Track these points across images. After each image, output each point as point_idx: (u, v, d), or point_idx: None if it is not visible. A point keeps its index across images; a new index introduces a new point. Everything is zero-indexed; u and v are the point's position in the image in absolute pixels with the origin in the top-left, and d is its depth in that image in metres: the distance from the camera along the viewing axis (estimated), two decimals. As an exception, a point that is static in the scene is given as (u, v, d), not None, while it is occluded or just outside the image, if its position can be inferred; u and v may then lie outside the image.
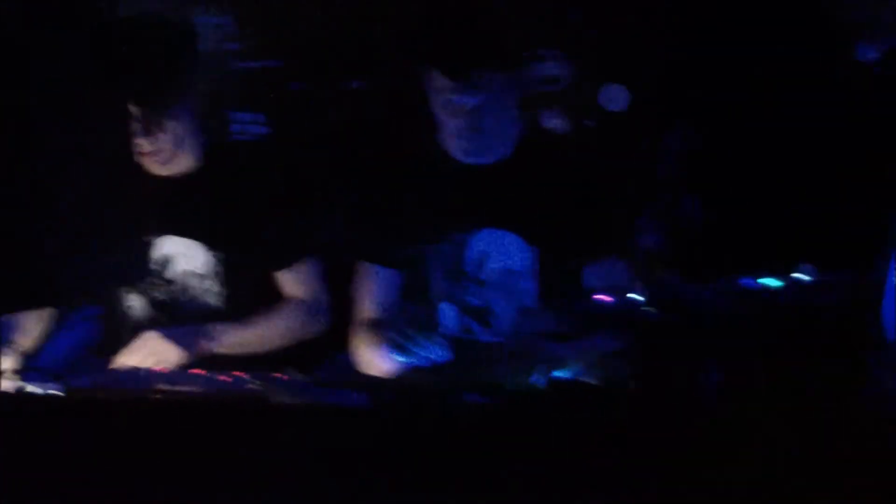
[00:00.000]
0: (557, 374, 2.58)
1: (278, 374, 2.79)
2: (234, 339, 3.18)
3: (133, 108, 3.14)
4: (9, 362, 2.79)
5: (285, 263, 3.28)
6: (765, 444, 2.25)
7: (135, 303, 3.30)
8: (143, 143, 3.18)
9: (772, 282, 2.51)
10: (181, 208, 3.28)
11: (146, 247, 3.28)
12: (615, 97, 3.98)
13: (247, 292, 3.28)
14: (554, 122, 3.94)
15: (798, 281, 2.52)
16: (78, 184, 3.25)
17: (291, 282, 3.29)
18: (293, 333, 3.25)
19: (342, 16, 4.14)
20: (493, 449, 2.29)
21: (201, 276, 3.27)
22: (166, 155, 3.22)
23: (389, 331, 3.02)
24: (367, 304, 3.15)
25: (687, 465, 2.24)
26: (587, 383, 2.55)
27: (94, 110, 3.20)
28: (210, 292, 3.27)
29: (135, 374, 2.84)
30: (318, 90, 4.19)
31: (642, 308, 2.55)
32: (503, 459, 2.28)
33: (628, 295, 2.58)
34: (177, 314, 3.28)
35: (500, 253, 3.12)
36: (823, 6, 3.57)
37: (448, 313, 3.14)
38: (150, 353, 3.04)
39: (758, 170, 3.51)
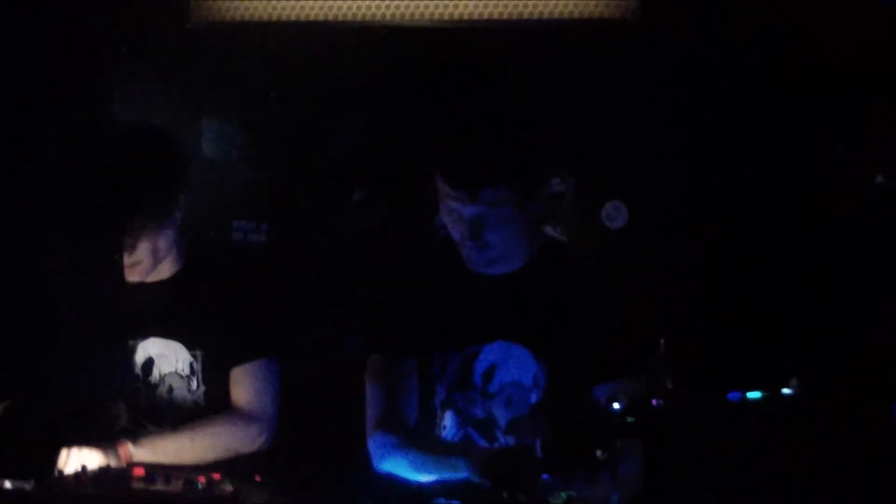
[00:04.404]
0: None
1: (256, 477, 2.76)
2: (161, 448, 3.12)
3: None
4: None
5: (235, 360, 3.26)
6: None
7: (118, 406, 3.28)
8: (123, 256, 3.18)
9: (755, 395, 2.48)
10: (163, 310, 3.28)
11: (129, 351, 3.28)
12: (617, 215, 3.97)
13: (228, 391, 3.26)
14: (562, 237, 3.93)
15: (781, 394, 2.49)
16: (63, 292, 3.27)
17: (240, 383, 3.25)
18: (227, 445, 3.19)
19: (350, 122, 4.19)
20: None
21: (183, 377, 3.24)
22: (145, 267, 3.24)
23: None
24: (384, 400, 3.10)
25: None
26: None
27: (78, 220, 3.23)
28: (193, 392, 3.25)
29: (108, 472, 2.80)
30: (325, 198, 4.21)
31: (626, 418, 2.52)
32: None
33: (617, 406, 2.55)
34: (159, 416, 3.27)
35: (510, 366, 3.09)
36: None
37: (450, 423, 3.09)
38: (74, 466, 2.94)
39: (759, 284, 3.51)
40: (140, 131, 3.37)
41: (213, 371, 3.27)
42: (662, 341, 3.09)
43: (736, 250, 3.81)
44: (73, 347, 3.24)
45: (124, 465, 3.02)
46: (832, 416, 2.54)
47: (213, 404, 3.27)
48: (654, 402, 2.49)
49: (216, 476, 2.73)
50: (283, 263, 3.89)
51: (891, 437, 2.56)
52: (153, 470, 2.77)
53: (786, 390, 2.49)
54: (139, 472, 2.80)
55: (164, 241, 3.25)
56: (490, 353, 3.09)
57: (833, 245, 3.60)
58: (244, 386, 3.26)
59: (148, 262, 3.24)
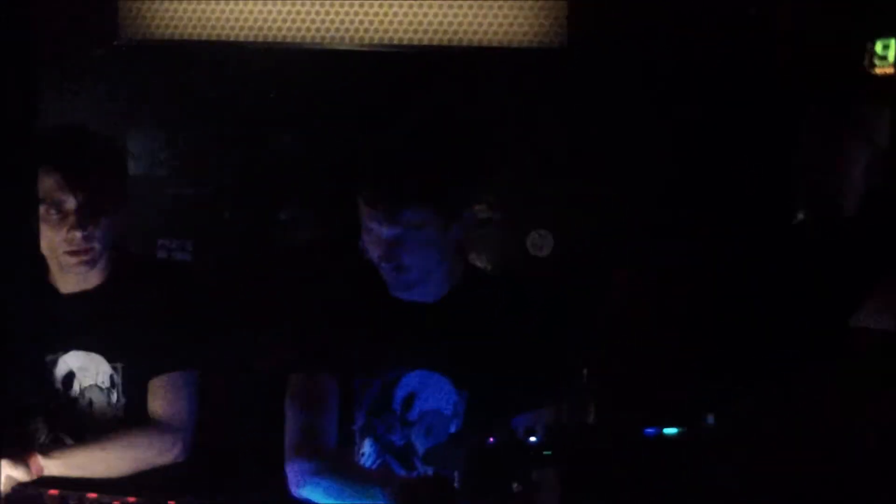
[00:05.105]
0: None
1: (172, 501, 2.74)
2: (73, 461, 3.07)
3: (72, 199, 3.11)
4: None
5: (153, 371, 3.23)
6: None
7: (37, 423, 3.24)
8: (75, 238, 3.13)
9: (672, 430, 2.49)
10: (85, 322, 3.23)
11: (50, 365, 3.24)
12: (542, 243, 3.99)
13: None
14: (486, 266, 3.94)
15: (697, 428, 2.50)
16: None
17: (156, 394, 3.22)
18: (140, 456, 3.15)
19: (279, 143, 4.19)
20: None
21: (104, 389, 3.23)
22: (94, 255, 3.19)
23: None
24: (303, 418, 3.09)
25: None
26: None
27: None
28: (114, 405, 3.23)
29: (19, 493, 2.77)
30: (251, 217, 4.20)
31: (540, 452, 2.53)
32: None
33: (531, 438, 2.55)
34: (79, 431, 3.22)
35: (430, 394, 3.08)
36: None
37: (369, 450, 3.08)
38: None
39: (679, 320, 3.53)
40: (84, 127, 3.34)
41: (134, 383, 3.23)
42: (585, 372, 3.11)
43: (662, 280, 3.83)
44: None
45: (35, 478, 2.98)
46: (751, 449, 2.56)
47: (133, 417, 3.23)
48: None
49: (130, 500, 2.71)
50: (207, 280, 3.87)
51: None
52: (66, 493, 2.74)
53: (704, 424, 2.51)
54: (53, 493, 2.77)
55: (113, 232, 3.21)
56: (410, 381, 3.08)
57: (758, 276, 3.62)
58: (160, 396, 3.22)
59: (97, 251, 3.19)
